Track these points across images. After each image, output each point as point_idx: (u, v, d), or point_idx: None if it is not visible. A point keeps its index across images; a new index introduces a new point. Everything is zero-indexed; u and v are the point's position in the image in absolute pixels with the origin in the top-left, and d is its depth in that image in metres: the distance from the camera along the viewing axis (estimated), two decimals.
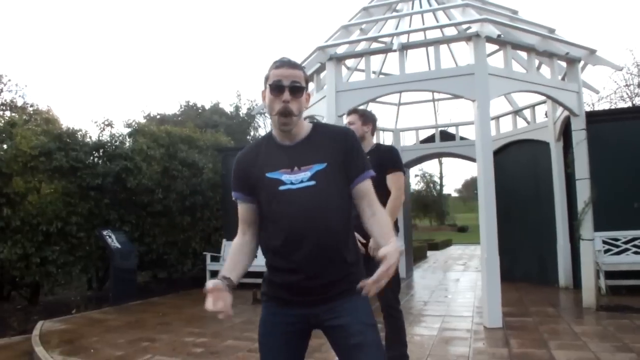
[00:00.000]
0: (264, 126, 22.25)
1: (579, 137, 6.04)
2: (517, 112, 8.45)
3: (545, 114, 8.30)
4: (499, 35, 5.05)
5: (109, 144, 8.16)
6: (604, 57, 5.99)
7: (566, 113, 6.86)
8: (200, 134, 10.10)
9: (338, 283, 1.67)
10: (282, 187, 1.67)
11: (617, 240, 7.00)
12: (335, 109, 5.83)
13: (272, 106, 1.70)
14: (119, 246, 7.67)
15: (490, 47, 7.56)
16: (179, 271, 9.16)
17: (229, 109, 20.17)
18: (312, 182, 1.66)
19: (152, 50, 33.75)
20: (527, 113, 8.41)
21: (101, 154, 8.27)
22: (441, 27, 5.88)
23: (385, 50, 5.68)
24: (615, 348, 4.17)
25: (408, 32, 5.92)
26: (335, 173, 1.68)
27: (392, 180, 3.26)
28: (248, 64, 35.25)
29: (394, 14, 6.25)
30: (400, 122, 10.34)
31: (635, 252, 6.88)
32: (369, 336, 1.66)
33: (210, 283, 1.57)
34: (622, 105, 14.65)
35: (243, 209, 1.82)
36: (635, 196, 6.99)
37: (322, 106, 6.20)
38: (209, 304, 1.53)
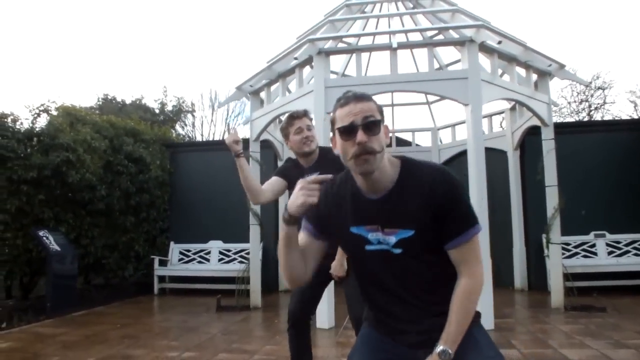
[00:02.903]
0: (189, 125, 21.18)
1: (549, 146, 6.36)
2: None
3: (500, 124, 8.72)
4: (499, 42, 5.15)
5: (46, 133, 7.14)
6: (571, 72, 6.37)
7: (528, 124, 7.23)
8: (146, 127, 9.25)
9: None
10: (368, 247, 1.52)
11: (568, 245, 7.47)
12: (324, 106, 5.58)
13: (346, 151, 1.47)
14: (59, 249, 6.72)
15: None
16: (118, 276, 8.26)
17: (153, 104, 18.94)
18: (399, 250, 1.47)
19: (60, 38, 30.40)
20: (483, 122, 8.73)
21: (35, 143, 7.21)
22: (440, 29, 5.90)
23: (380, 48, 5.56)
24: (612, 345, 4.36)
25: (406, 31, 5.84)
26: (426, 239, 1.46)
27: None
28: (175, 57, 33.33)
29: (384, 12, 6.16)
30: None
31: (584, 256, 7.41)
32: None
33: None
34: (569, 119, 15.82)
35: (306, 242, 1.62)
36: (581, 204, 7.54)
37: (305, 102, 5.92)
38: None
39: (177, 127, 18.93)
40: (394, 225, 1.45)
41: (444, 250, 1.48)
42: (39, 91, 26.62)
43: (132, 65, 30.84)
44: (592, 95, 15.54)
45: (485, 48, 5.58)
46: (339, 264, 2.86)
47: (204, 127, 22.95)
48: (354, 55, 5.78)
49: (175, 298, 7.75)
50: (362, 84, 5.61)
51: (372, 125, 1.45)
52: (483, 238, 5.31)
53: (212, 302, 6.78)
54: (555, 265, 6.20)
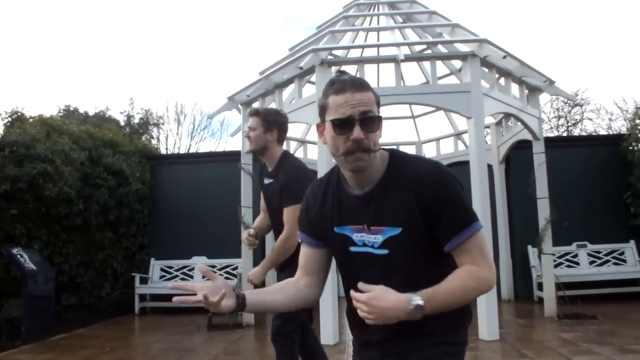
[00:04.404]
0: (155, 138, 20.56)
1: (540, 160, 6.54)
2: (458, 135, 8.93)
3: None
4: (504, 57, 5.27)
5: (20, 143, 6.67)
6: (560, 88, 6.62)
7: (515, 138, 7.44)
8: (125, 138, 8.85)
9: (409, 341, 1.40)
10: (353, 248, 1.40)
11: (553, 255, 7.66)
12: None
13: (337, 146, 1.31)
14: (34, 267, 6.24)
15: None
16: (94, 296, 7.77)
17: (118, 117, 18.24)
18: (384, 252, 1.34)
19: (17, 46, 28.66)
20: (465, 137, 8.92)
21: (7, 153, 6.72)
22: (447, 42, 5.97)
23: (385, 60, 5.57)
24: (618, 351, 4.46)
25: (412, 44, 5.89)
26: (415, 239, 1.32)
27: (286, 215, 2.67)
28: (139, 69, 32.26)
29: (383, 25, 6.19)
30: None
31: (568, 266, 7.64)
32: None
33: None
34: (549, 135, 16.10)
35: (306, 254, 1.52)
36: (564, 216, 7.77)
37: (305, 112, 5.82)
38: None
39: (143, 139, 18.28)
40: (381, 222, 1.33)
41: (431, 252, 1.34)
42: None
43: (94, 76, 29.70)
44: (569, 112, 16.26)
45: (485, 63, 5.69)
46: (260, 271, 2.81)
47: (169, 140, 22.37)
48: (357, 66, 5.75)
49: (159, 317, 7.34)
50: None
51: (371, 121, 1.29)
52: (488, 249, 5.35)
53: (200, 320, 6.51)
54: (548, 275, 6.34)
